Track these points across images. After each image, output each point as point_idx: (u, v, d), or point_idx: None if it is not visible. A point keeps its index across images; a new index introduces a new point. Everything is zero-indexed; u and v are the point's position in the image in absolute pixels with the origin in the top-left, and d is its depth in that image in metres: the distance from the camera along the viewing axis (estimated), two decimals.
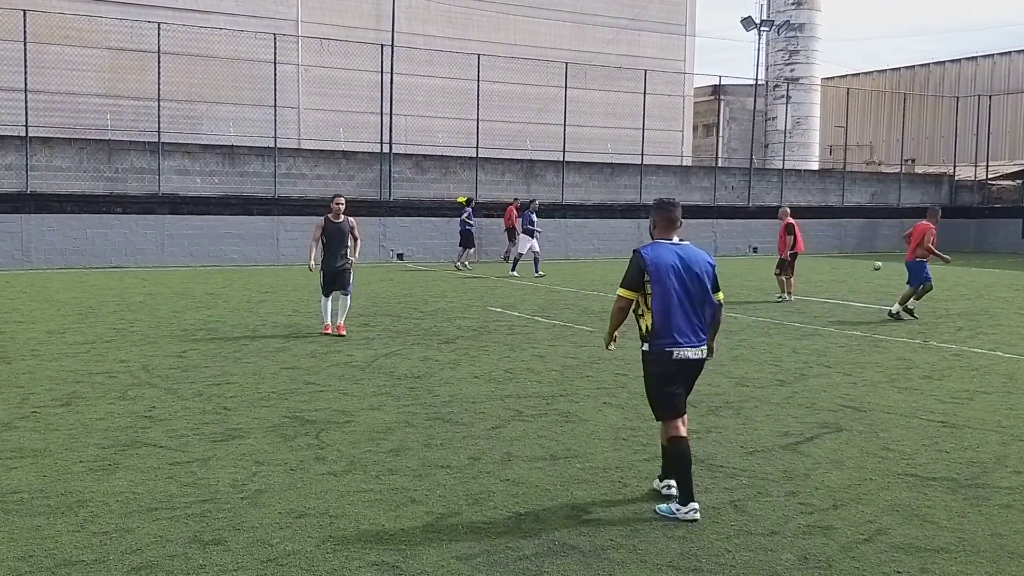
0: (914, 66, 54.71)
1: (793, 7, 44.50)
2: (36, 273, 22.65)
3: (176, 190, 26.01)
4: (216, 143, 27.54)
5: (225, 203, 26.42)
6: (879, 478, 6.57)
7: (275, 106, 27.21)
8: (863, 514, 5.81)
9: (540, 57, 33.41)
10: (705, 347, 5.86)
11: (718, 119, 44.07)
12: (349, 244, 13.09)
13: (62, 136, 25.57)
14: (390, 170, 28.91)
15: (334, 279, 12.94)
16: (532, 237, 23.91)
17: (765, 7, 43.97)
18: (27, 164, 24.27)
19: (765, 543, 5.30)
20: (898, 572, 4.94)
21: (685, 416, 5.88)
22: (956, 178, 42.72)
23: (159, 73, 25.72)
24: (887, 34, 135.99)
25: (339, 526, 5.44)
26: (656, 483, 6.18)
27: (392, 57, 29.20)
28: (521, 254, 24.04)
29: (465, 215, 26.05)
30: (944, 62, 53.08)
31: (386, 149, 28.86)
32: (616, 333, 6.15)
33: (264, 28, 29.39)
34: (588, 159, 33.31)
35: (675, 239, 5.94)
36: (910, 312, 15.71)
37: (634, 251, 5.91)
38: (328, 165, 28.41)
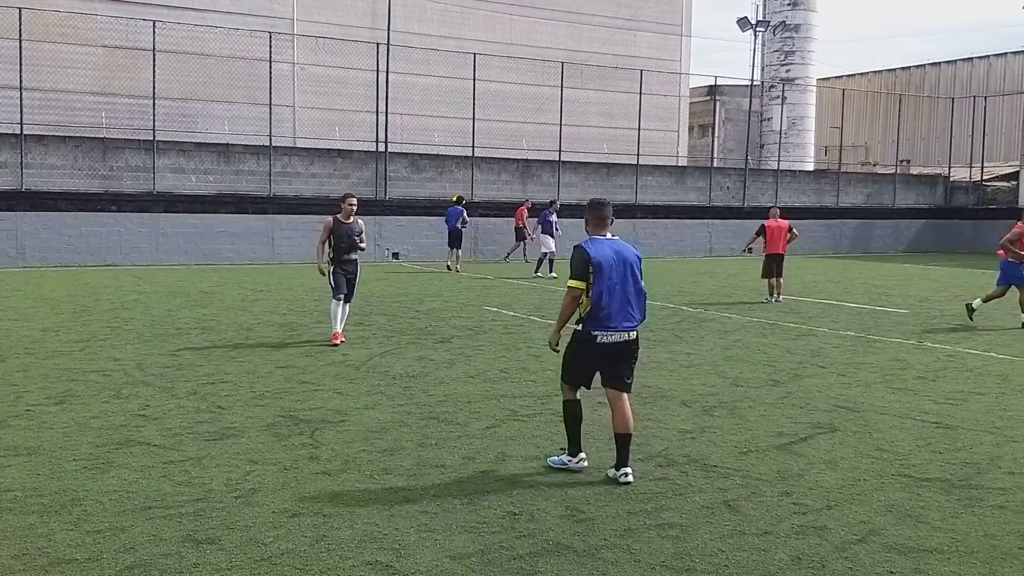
0: (909, 67, 54.75)
1: (789, 8, 44.55)
2: (30, 271, 22.61)
3: (171, 188, 25.98)
4: (211, 141, 27.50)
5: (220, 201, 26.40)
6: (873, 478, 6.58)
7: (270, 104, 27.19)
8: (857, 514, 5.82)
9: (536, 57, 33.40)
10: (635, 331, 6.48)
11: (714, 119, 44.15)
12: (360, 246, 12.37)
13: (57, 134, 25.55)
14: (386, 169, 28.90)
15: (347, 282, 12.28)
16: (552, 237, 23.90)
17: (761, 8, 43.98)
18: (22, 162, 24.23)
19: (759, 543, 5.31)
20: (891, 572, 4.95)
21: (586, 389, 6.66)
22: (951, 179, 42.81)
23: (154, 71, 25.68)
24: (882, 35, 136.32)
25: (333, 525, 5.44)
26: (611, 472, 6.47)
27: (388, 56, 29.18)
28: (545, 254, 23.92)
29: (460, 216, 25.49)
30: (939, 63, 53.13)
31: (382, 148, 28.84)
32: (562, 332, 6.61)
33: (259, 26, 29.39)
34: (584, 159, 33.34)
35: (608, 235, 6.64)
36: (971, 312, 15.39)
37: (576, 247, 6.56)
38: (323, 164, 28.38)
